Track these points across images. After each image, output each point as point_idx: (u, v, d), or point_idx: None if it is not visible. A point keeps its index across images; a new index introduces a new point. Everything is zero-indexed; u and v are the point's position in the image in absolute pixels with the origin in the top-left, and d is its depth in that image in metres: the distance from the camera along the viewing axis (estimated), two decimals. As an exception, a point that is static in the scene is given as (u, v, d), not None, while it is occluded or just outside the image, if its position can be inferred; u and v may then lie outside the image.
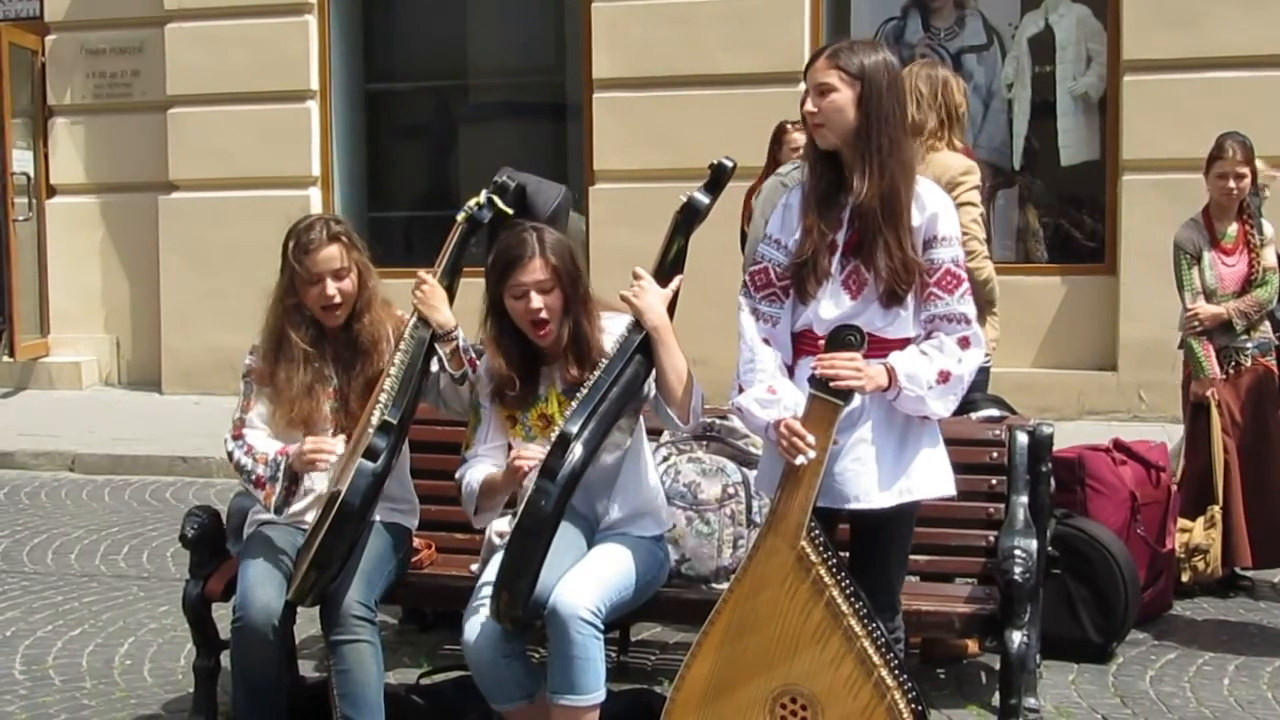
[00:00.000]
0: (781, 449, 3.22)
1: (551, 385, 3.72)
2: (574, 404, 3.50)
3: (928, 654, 4.77)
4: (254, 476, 3.81)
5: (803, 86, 3.35)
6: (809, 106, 3.30)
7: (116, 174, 11.01)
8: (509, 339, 3.71)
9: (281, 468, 3.75)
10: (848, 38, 9.17)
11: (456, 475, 3.77)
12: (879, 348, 3.27)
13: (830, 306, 3.30)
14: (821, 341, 3.26)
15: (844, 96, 3.28)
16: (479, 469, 3.71)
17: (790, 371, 3.37)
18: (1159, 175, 8.49)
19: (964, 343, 3.29)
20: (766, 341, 3.36)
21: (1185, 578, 5.50)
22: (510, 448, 3.73)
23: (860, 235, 3.28)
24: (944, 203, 3.36)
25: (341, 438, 3.75)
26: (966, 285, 3.34)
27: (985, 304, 4.83)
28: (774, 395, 3.28)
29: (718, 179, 3.64)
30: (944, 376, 3.26)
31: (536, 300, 3.62)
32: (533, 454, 3.47)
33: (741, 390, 3.33)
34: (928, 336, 3.32)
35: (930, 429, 3.39)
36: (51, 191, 11.25)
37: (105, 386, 11.12)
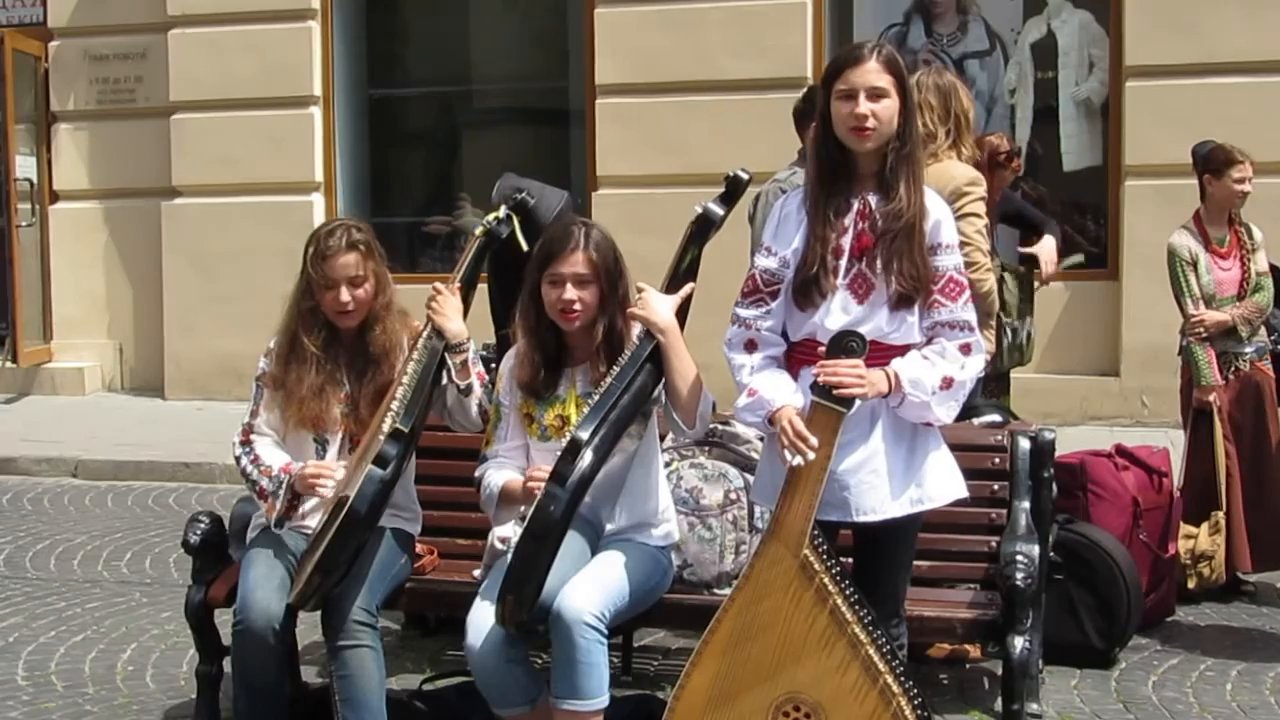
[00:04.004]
0: (783, 446, 3.21)
1: (572, 386, 3.72)
2: (586, 409, 3.51)
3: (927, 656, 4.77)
4: (258, 487, 3.84)
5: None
6: (862, 109, 3.22)
7: (120, 180, 11.03)
8: (544, 328, 3.72)
9: (284, 485, 3.78)
10: (850, 42, 9.26)
11: (476, 474, 3.77)
12: (883, 354, 3.27)
13: (839, 313, 3.28)
14: (822, 349, 3.25)
15: (894, 103, 3.25)
16: (499, 473, 3.72)
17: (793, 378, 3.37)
18: (1161, 181, 8.49)
19: (965, 349, 3.30)
20: (750, 346, 3.36)
21: (1191, 584, 5.49)
22: (528, 448, 3.74)
23: (877, 240, 3.26)
24: (945, 210, 3.37)
25: (343, 464, 3.77)
26: (969, 293, 3.34)
27: (985, 315, 4.84)
28: (753, 396, 3.30)
29: (733, 190, 3.65)
30: (947, 382, 3.27)
31: (570, 292, 3.63)
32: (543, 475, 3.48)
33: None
34: (928, 342, 3.32)
35: (934, 434, 3.40)
36: (55, 197, 11.27)
37: (108, 392, 11.13)
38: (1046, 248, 5.85)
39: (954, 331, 3.30)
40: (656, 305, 3.56)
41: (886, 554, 3.44)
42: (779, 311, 3.35)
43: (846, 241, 3.29)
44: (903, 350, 3.30)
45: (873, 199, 3.29)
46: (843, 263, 3.29)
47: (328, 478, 3.71)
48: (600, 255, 3.66)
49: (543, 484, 3.44)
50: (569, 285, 3.63)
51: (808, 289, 3.28)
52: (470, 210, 10.64)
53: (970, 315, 3.33)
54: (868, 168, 3.30)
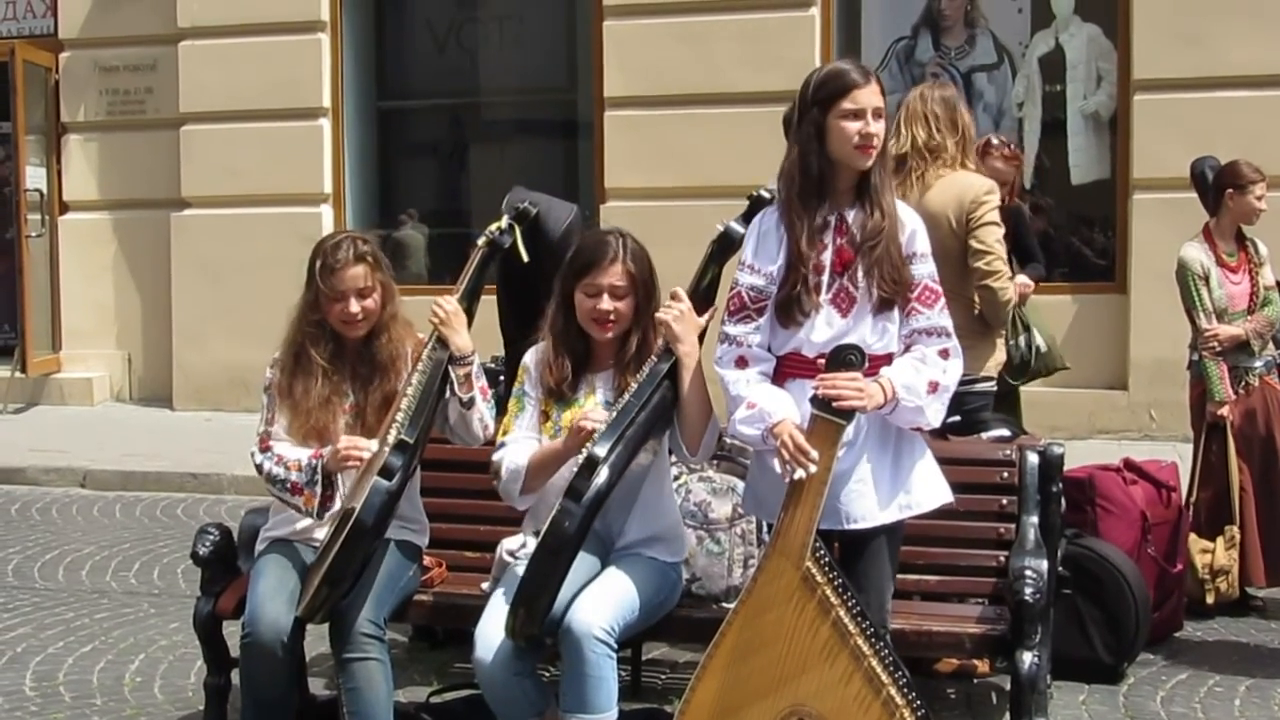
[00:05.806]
0: (783, 459, 3.22)
1: (591, 392, 3.73)
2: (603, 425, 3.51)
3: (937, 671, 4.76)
4: (289, 484, 3.83)
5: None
6: (873, 128, 3.28)
7: (129, 190, 11.06)
8: (573, 335, 3.72)
9: (317, 471, 3.78)
10: (857, 55, 9.27)
11: (494, 458, 3.75)
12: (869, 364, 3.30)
13: (824, 327, 3.33)
14: (820, 360, 3.28)
15: (883, 123, 3.34)
16: (522, 447, 3.70)
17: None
18: (1169, 194, 8.47)
19: (944, 354, 3.37)
20: (741, 363, 3.37)
21: (1210, 599, 5.46)
22: (541, 443, 3.73)
23: (857, 253, 3.32)
24: (917, 220, 3.44)
25: (374, 441, 3.77)
26: (943, 300, 3.40)
27: (1000, 323, 4.85)
28: (752, 409, 3.31)
29: (755, 209, 3.67)
30: (933, 386, 3.33)
31: (607, 303, 3.64)
32: (600, 417, 3.49)
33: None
34: (907, 350, 3.37)
35: (918, 440, 3.44)
36: (64, 208, 11.31)
37: (117, 402, 11.16)
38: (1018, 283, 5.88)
39: (932, 338, 3.36)
40: (687, 328, 3.55)
41: (871, 563, 3.43)
42: (766, 327, 3.39)
43: (827, 258, 3.34)
44: (886, 359, 3.35)
45: (849, 214, 3.35)
46: (825, 279, 3.34)
47: (363, 449, 3.71)
48: (638, 267, 3.67)
49: (595, 421, 3.45)
50: (606, 296, 3.64)
51: (789, 307, 3.33)
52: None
53: (946, 321, 3.39)
54: (844, 183, 3.35)
